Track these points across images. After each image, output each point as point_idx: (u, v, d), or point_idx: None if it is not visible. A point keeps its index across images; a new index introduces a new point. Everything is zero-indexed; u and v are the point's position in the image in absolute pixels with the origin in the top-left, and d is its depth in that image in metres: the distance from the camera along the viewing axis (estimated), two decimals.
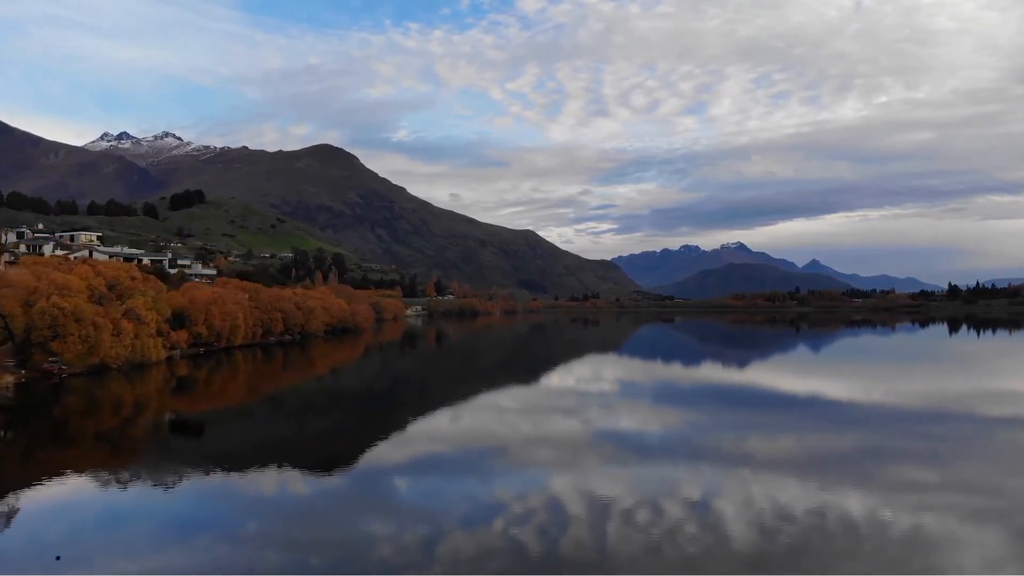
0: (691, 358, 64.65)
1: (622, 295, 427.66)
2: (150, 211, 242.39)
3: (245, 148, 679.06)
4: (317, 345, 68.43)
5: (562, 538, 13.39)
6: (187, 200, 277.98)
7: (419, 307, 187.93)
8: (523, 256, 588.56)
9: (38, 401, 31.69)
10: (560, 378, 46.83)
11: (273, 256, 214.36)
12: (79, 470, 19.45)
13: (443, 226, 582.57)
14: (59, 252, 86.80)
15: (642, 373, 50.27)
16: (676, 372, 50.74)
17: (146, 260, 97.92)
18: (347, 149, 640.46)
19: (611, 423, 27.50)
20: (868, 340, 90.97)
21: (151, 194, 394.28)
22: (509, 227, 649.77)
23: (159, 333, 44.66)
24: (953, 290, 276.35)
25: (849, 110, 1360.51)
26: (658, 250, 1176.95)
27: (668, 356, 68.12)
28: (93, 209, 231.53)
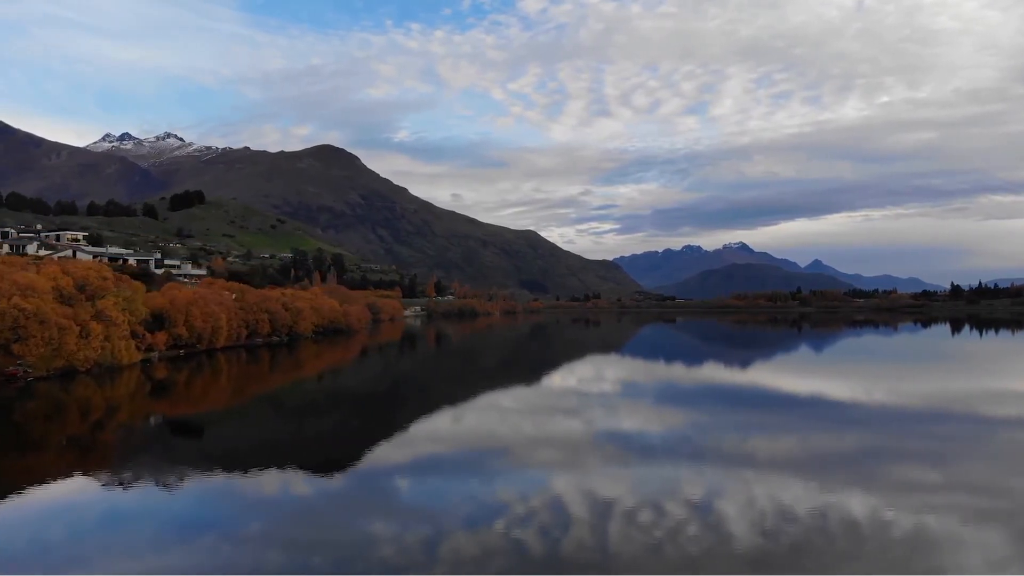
0: (693, 358, 64.15)
1: (624, 295, 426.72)
2: (150, 212, 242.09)
3: (247, 149, 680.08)
4: (306, 347, 67.22)
5: (564, 538, 13.29)
6: (187, 200, 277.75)
7: (418, 308, 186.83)
8: (525, 256, 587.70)
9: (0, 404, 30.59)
10: (561, 378, 46.43)
11: (272, 256, 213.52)
12: (44, 475, 19.15)
13: (445, 226, 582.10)
14: (43, 252, 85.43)
15: (643, 373, 49.86)
16: (677, 372, 50.35)
17: (132, 260, 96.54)
18: (349, 149, 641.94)
19: (612, 423, 27.32)
20: (870, 340, 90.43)
21: (153, 195, 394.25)
22: (511, 227, 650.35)
23: (134, 335, 43.19)
24: (956, 290, 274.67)
25: (851, 110, 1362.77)
26: (660, 250, 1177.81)
27: (670, 356, 67.58)
28: (92, 210, 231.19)
